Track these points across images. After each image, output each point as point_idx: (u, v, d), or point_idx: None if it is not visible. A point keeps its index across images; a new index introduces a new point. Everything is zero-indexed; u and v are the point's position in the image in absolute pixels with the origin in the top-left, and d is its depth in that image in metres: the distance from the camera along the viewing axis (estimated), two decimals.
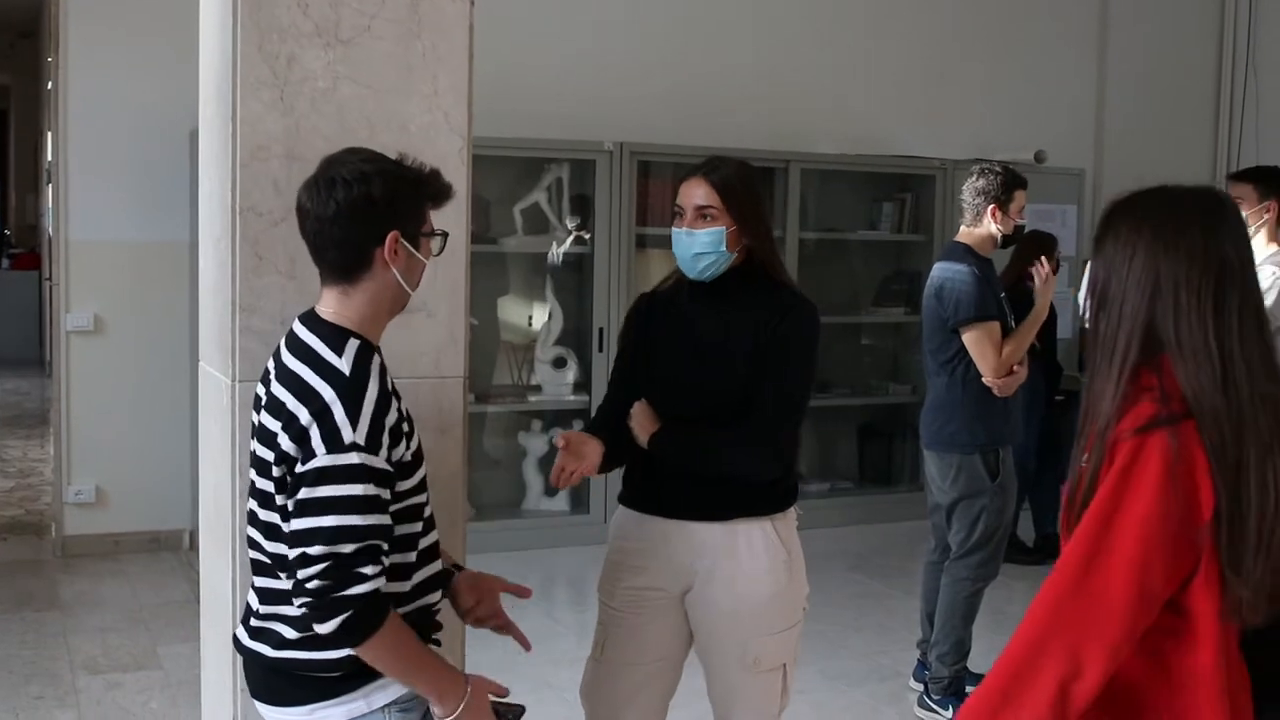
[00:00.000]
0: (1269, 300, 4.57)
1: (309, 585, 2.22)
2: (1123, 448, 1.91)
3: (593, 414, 3.33)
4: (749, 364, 2.98)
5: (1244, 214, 4.68)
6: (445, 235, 2.46)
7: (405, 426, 2.37)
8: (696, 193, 3.00)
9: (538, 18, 7.25)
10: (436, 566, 2.50)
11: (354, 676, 2.33)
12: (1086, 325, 2.07)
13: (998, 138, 8.18)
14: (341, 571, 2.21)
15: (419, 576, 2.43)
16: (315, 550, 2.21)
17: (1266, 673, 2.03)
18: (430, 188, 2.41)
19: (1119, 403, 1.95)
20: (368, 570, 2.22)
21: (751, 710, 3.09)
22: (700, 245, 2.98)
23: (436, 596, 2.50)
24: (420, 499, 2.42)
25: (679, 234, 3.01)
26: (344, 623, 2.21)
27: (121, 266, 6.75)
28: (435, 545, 2.50)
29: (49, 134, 8.16)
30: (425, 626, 2.46)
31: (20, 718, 4.65)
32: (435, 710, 2.34)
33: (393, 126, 2.78)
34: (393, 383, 2.43)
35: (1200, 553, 1.90)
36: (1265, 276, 4.73)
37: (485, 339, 7.14)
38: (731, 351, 2.99)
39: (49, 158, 8.30)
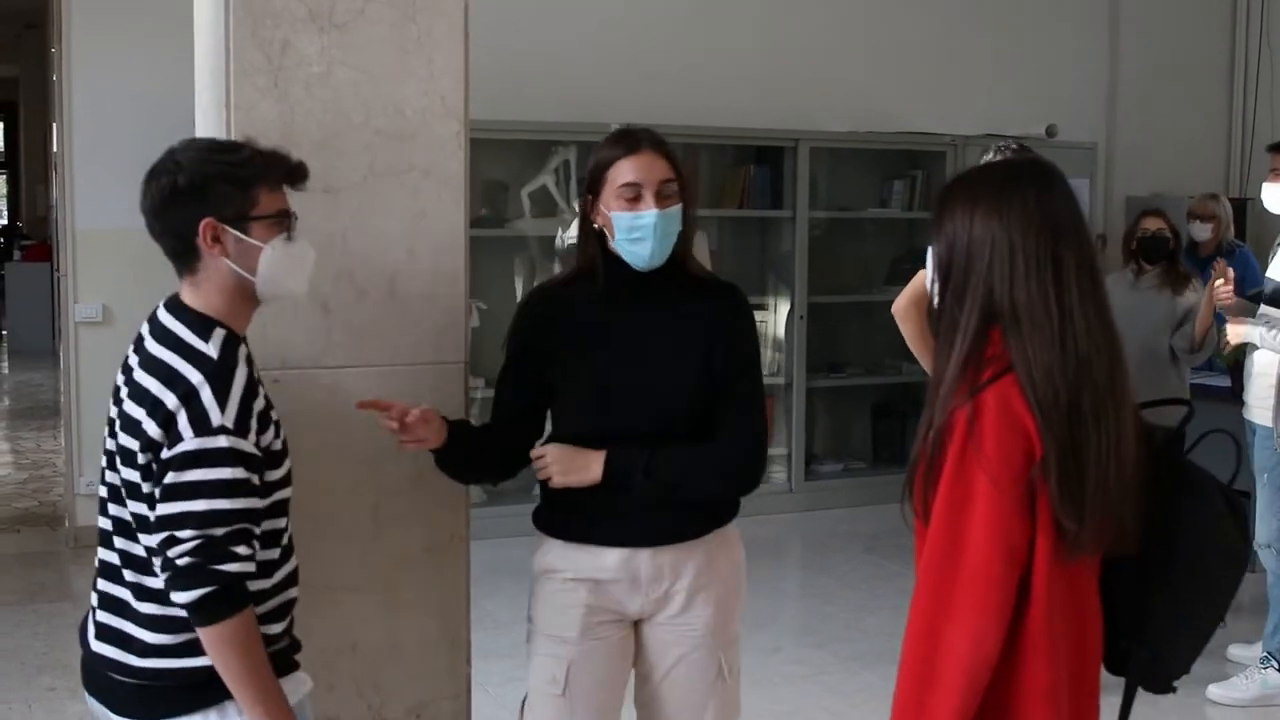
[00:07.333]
0: None
1: (179, 563, 2.16)
2: (952, 428, 1.96)
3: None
4: (703, 365, 2.69)
5: None
6: (287, 214, 2.30)
7: (273, 414, 2.31)
8: (657, 166, 2.65)
9: None
10: (296, 562, 2.42)
11: (214, 688, 2.22)
12: (935, 306, 2.09)
13: (1009, 112, 8.11)
14: (214, 549, 2.16)
15: (281, 573, 2.36)
16: (185, 534, 2.15)
17: (1117, 604, 2.10)
18: (262, 170, 2.27)
19: (962, 376, 1.99)
20: (240, 550, 2.18)
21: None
22: (673, 226, 2.66)
23: (296, 592, 2.41)
24: (287, 493, 2.35)
25: (643, 216, 2.62)
26: (206, 595, 2.15)
27: (129, 256, 6.62)
28: (291, 541, 2.42)
29: (55, 124, 8.14)
30: (288, 620, 2.39)
31: (33, 709, 4.65)
32: None
33: (389, 111, 2.75)
34: (258, 374, 2.34)
35: (1036, 499, 1.96)
36: None
37: (494, 323, 7.10)
38: (683, 353, 2.70)
39: (55, 148, 8.28)
